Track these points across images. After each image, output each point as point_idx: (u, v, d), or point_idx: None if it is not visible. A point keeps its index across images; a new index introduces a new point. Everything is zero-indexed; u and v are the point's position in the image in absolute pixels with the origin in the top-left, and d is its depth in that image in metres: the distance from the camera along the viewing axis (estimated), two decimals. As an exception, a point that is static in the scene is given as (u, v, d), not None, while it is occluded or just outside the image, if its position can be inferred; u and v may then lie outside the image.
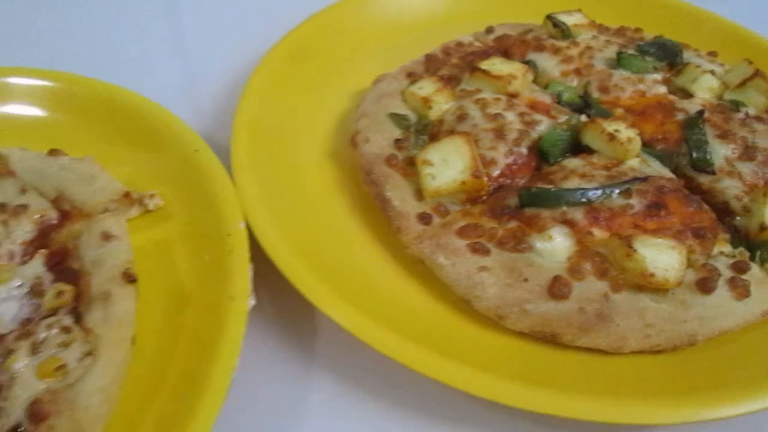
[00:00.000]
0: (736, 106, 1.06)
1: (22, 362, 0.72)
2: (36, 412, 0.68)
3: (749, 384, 0.74)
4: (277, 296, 0.89)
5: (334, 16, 1.25)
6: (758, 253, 0.89)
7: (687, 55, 1.18)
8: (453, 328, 0.83)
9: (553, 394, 0.73)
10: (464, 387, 0.73)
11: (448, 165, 0.91)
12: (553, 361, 0.80)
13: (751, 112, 1.05)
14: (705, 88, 1.09)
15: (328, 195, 1.00)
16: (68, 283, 0.81)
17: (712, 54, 1.21)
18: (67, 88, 1.06)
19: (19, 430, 0.67)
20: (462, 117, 1.00)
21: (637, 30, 1.27)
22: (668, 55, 1.16)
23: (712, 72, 1.11)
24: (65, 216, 0.91)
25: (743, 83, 1.08)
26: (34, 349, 0.73)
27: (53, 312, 0.78)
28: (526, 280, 0.81)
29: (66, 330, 0.75)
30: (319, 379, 0.83)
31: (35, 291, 0.81)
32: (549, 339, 0.80)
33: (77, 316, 0.78)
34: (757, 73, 1.08)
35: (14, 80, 1.05)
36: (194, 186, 0.94)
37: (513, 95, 1.04)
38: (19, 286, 0.81)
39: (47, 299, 0.79)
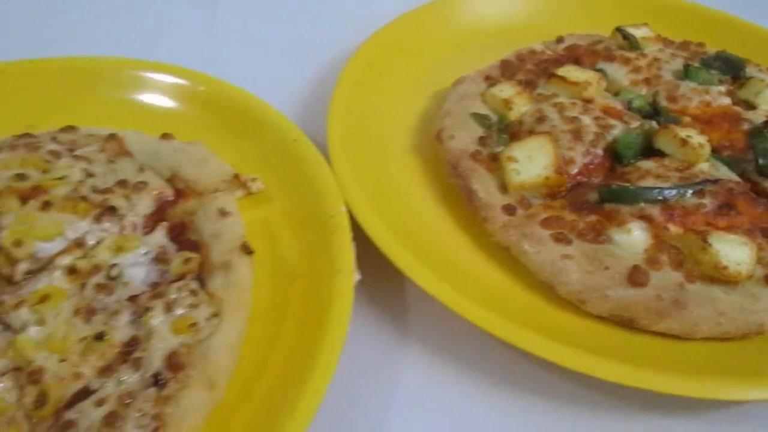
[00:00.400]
0: (798, 118, 1.12)
1: (158, 319, 0.80)
2: (174, 363, 0.76)
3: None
4: (369, 275, 0.96)
5: (416, 20, 1.34)
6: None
7: (749, 70, 1.24)
8: (535, 309, 0.90)
9: (631, 368, 0.79)
10: (552, 357, 0.79)
11: (532, 162, 0.98)
12: (629, 343, 0.86)
13: (813, 124, 1.12)
14: (769, 101, 1.16)
15: (413, 186, 1.08)
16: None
17: (773, 69, 1.28)
18: (177, 81, 1.16)
19: (159, 377, 0.75)
20: (541, 119, 1.07)
21: (700, 44, 1.33)
22: (732, 69, 1.23)
23: (774, 86, 1.18)
24: (179, 194, 0.99)
25: (805, 98, 1.15)
26: (168, 308, 0.81)
27: (180, 277, 0.86)
28: (606, 268, 0.88)
29: (194, 293, 0.84)
30: (412, 351, 0.91)
31: (160, 258, 0.89)
32: (626, 323, 0.87)
33: (201, 282, 0.86)
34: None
35: (133, 72, 1.16)
36: (294, 172, 1.02)
37: (588, 101, 1.12)
38: (145, 253, 0.90)
39: (175, 265, 0.87)
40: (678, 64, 1.22)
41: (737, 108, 1.15)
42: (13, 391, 0.75)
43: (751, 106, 1.16)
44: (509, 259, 0.95)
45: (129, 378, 0.76)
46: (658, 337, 0.87)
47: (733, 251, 0.86)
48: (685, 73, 1.19)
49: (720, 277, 0.86)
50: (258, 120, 1.09)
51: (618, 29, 1.28)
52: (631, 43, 1.26)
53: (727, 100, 1.17)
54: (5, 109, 1.16)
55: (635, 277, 0.86)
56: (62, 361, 0.78)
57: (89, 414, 0.72)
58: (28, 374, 0.76)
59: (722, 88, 1.19)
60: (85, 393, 0.75)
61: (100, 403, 0.73)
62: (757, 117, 1.11)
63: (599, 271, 0.88)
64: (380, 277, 0.93)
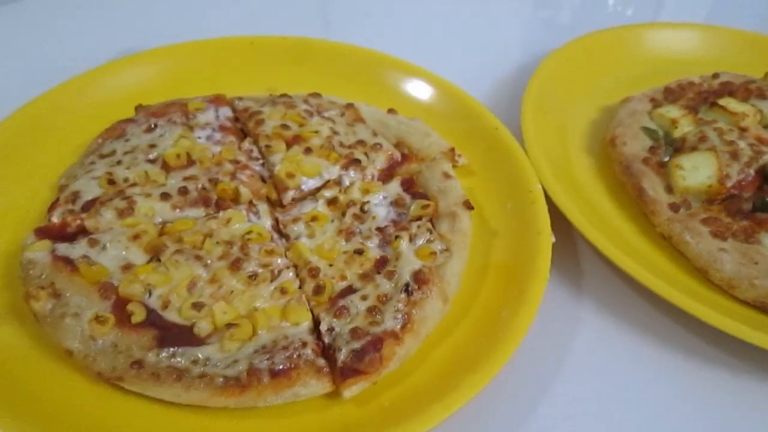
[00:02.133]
0: None
1: (404, 245, 1.05)
2: (420, 278, 0.99)
3: None
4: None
5: (595, 41, 1.57)
6: None
7: None
8: (689, 287, 1.11)
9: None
10: (713, 321, 0.99)
11: (697, 171, 1.19)
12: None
13: None
14: None
15: (585, 179, 1.30)
16: (422, 202, 1.14)
17: None
18: (400, 71, 1.44)
19: (408, 287, 0.99)
20: (703, 138, 1.28)
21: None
22: None
23: None
24: (404, 157, 1.24)
25: None
26: (411, 239, 1.06)
27: (417, 218, 1.11)
28: (756, 263, 1.08)
29: (430, 231, 1.08)
30: (586, 308, 1.12)
31: (397, 203, 1.13)
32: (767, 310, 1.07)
33: (432, 225, 1.11)
34: None
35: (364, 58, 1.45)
36: (494, 153, 1.25)
37: (743, 129, 1.32)
38: (385, 197, 1.14)
39: (414, 208, 1.11)
40: (824, 108, 1.41)
41: None
42: (296, 281, 1.01)
43: None
44: (668, 248, 1.16)
45: (384, 285, 0.99)
46: (792, 325, 1.06)
47: None
48: (829, 117, 1.38)
49: None
50: (467, 110, 1.34)
51: (770, 73, 1.48)
52: (781, 85, 1.45)
53: None
54: (252, 72, 1.44)
55: (780, 272, 1.06)
56: (330, 265, 1.03)
57: (356, 304, 0.97)
58: (308, 270, 1.01)
59: None
60: (350, 290, 1.00)
61: (364, 298, 0.98)
62: None
63: (750, 264, 1.08)
64: (557, 245, 1.14)
